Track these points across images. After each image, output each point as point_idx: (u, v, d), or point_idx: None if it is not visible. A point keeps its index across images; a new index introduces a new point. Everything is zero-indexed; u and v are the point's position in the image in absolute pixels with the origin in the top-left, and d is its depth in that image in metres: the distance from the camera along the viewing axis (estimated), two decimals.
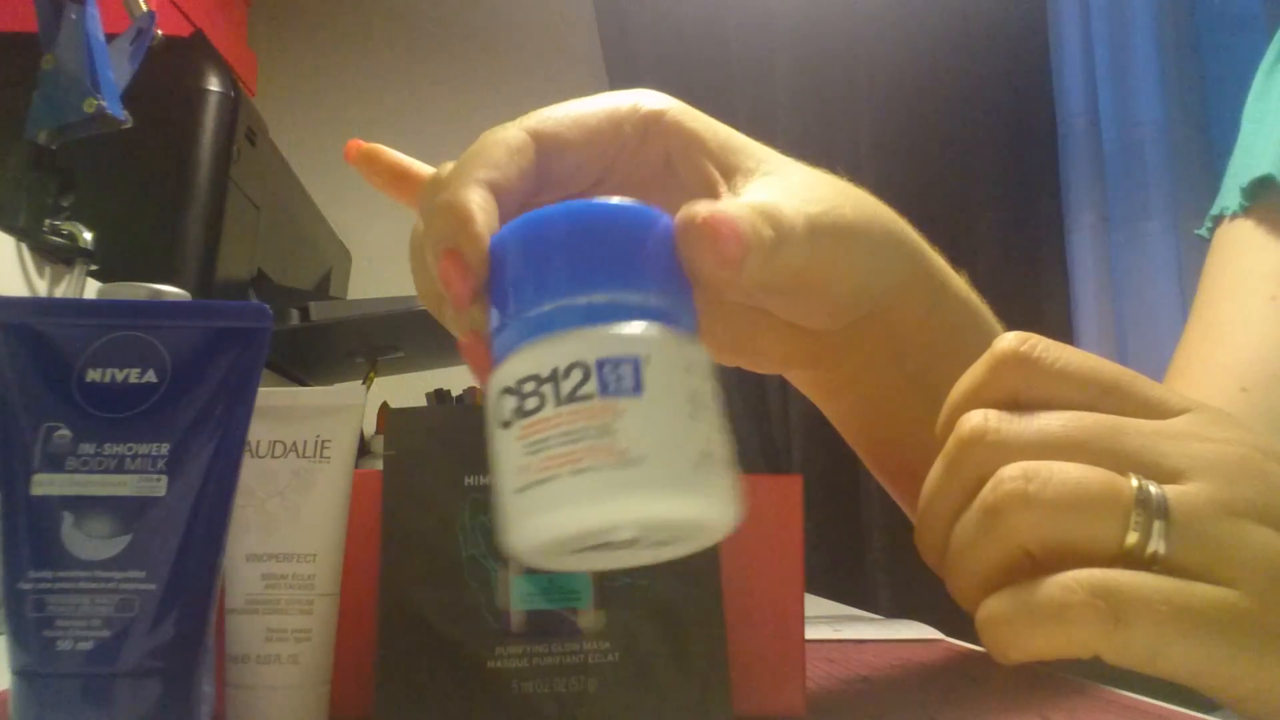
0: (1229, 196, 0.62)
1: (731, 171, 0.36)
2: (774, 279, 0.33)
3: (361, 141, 0.41)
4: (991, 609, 0.29)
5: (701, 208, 0.28)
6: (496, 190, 0.30)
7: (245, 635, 0.33)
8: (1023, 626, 0.28)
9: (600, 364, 0.24)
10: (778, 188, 0.35)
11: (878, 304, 0.40)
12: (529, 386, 0.24)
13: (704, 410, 0.25)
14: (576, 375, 0.24)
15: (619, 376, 0.23)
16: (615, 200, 0.27)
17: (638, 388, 0.23)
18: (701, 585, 0.38)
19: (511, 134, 0.33)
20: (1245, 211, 0.60)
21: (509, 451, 0.25)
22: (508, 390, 0.25)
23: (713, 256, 0.28)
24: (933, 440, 0.37)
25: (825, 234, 0.34)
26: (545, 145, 0.34)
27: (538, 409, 0.24)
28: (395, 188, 0.42)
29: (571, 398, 0.24)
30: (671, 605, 0.37)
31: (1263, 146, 0.60)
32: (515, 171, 0.32)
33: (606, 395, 0.23)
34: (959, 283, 0.44)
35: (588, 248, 0.26)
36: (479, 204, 0.29)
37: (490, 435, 0.26)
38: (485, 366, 0.27)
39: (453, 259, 0.27)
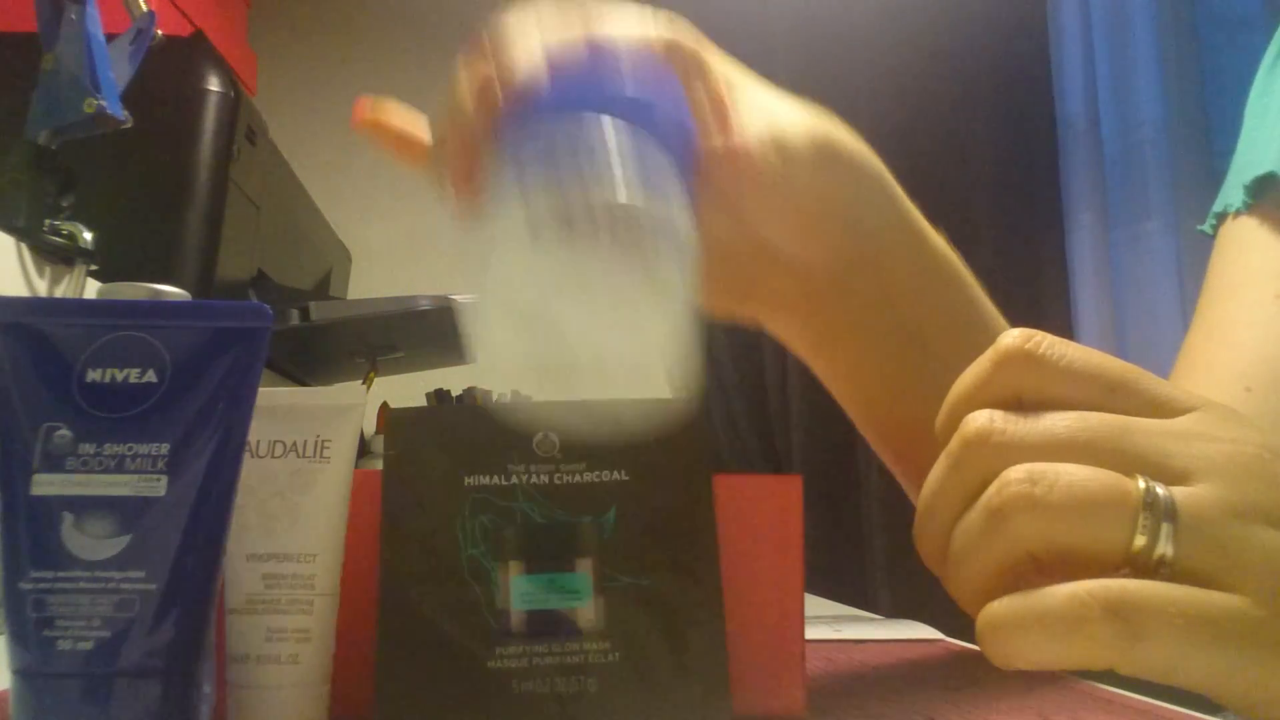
0: (1232, 193, 0.62)
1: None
2: (781, 201, 0.37)
3: (370, 102, 0.42)
4: (996, 615, 0.28)
5: (719, 139, 0.33)
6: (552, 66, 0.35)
7: (245, 635, 0.33)
8: (1033, 636, 0.27)
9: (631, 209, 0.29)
10: (794, 120, 0.40)
11: (868, 244, 0.42)
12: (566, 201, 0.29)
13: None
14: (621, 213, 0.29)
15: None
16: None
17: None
18: (701, 585, 0.38)
19: (572, 28, 0.36)
20: (1249, 209, 0.60)
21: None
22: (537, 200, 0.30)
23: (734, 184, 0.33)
24: (929, 398, 0.38)
25: (828, 162, 0.39)
26: (597, 48, 0.37)
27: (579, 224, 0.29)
28: (402, 153, 0.43)
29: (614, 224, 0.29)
30: (671, 605, 0.37)
31: (1265, 143, 0.60)
32: (567, 60, 0.35)
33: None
34: (938, 237, 0.46)
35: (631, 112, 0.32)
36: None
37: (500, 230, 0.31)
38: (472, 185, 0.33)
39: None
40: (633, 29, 0.38)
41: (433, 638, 0.35)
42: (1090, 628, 0.26)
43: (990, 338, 0.38)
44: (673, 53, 0.39)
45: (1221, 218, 0.62)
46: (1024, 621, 0.27)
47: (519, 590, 0.36)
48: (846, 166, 0.40)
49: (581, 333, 0.28)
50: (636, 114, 0.32)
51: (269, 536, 0.34)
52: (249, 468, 0.32)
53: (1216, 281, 0.62)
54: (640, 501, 0.39)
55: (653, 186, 0.30)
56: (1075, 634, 0.27)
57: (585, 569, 0.37)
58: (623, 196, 0.29)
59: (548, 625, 0.36)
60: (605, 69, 0.32)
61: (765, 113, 0.39)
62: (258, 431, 0.33)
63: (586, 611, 0.36)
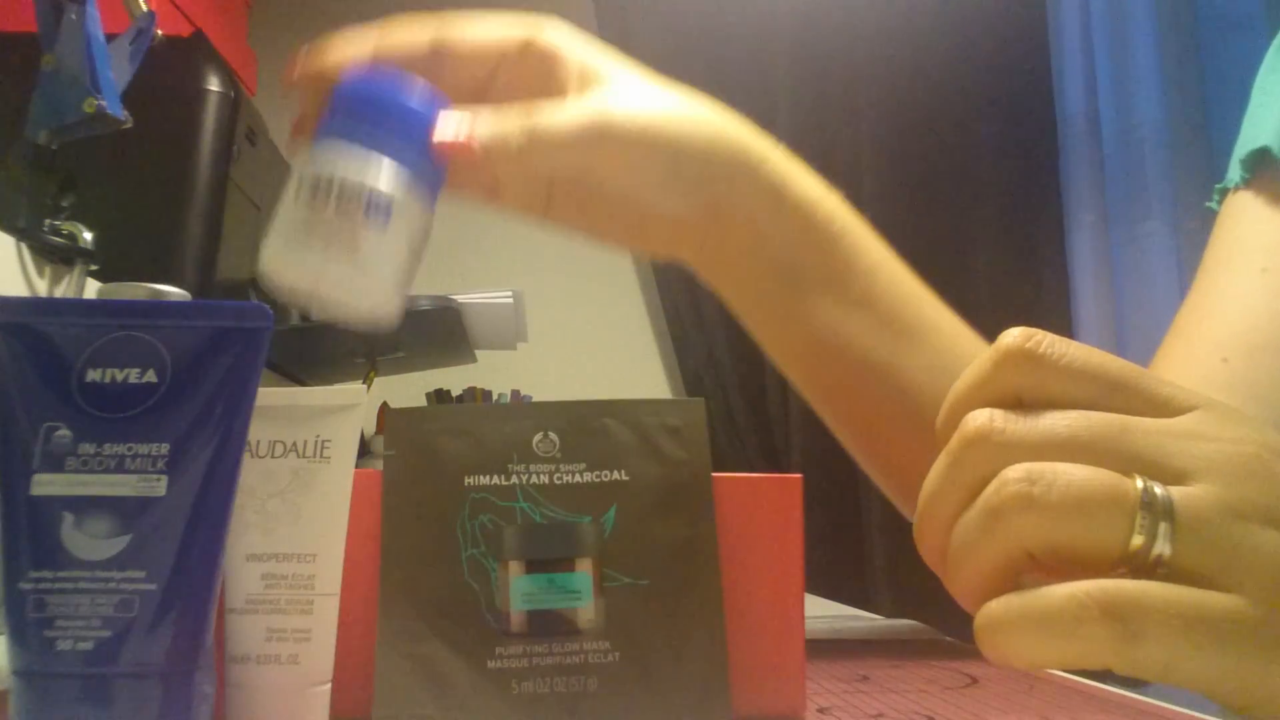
0: (1232, 169, 0.62)
1: (581, 89, 0.46)
2: (543, 168, 0.46)
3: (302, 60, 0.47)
4: (994, 614, 0.28)
5: (448, 128, 0.40)
6: (381, 56, 0.44)
7: (245, 635, 0.33)
8: (1030, 636, 0.27)
9: (370, 193, 0.36)
10: (589, 100, 0.45)
11: (704, 197, 0.49)
12: (327, 172, 0.36)
13: (415, 259, 0.37)
14: (355, 191, 0.36)
15: (377, 207, 0.36)
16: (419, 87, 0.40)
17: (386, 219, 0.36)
18: (701, 585, 0.38)
19: (418, 31, 0.45)
20: (1245, 184, 0.61)
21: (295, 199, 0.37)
22: (315, 164, 0.37)
23: (456, 159, 0.40)
24: (800, 328, 0.51)
25: (594, 140, 0.44)
26: (440, 47, 0.45)
27: (325, 193, 0.36)
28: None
29: (345, 199, 0.36)
30: (671, 605, 0.37)
31: (1264, 118, 0.61)
32: (404, 54, 0.44)
33: (366, 215, 0.36)
34: (802, 191, 0.50)
35: (393, 114, 0.39)
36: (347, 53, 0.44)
37: (291, 179, 0.38)
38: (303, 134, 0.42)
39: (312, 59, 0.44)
40: (502, 30, 0.46)
41: (433, 638, 0.35)
42: (1087, 628, 0.26)
43: (862, 279, 0.50)
44: (530, 48, 0.46)
45: (1223, 194, 0.63)
46: (1021, 621, 0.28)
47: (519, 590, 0.36)
48: (624, 143, 0.45)
49: (298, 275, 0.35)
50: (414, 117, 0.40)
51: (269, 536, 0.33)
52: (249, 468, 0.32)
53: (1209, 255, 0.62)
54: (640, 501, 0.39)
55: (395, 175, 0.37)
56: (1072, 634, 0.27)
57: (585, 569, 0.37)
58: (354, 175, 0.36)
59: (548, 625, 0.36)
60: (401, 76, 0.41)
61: (574, 100, 0.45)
62: (258, 431, 0.33)
63: (586, 612, 0.36)
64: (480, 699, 0.35)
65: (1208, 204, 0.65)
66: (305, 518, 0.34)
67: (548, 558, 0.37)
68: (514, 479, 0.38)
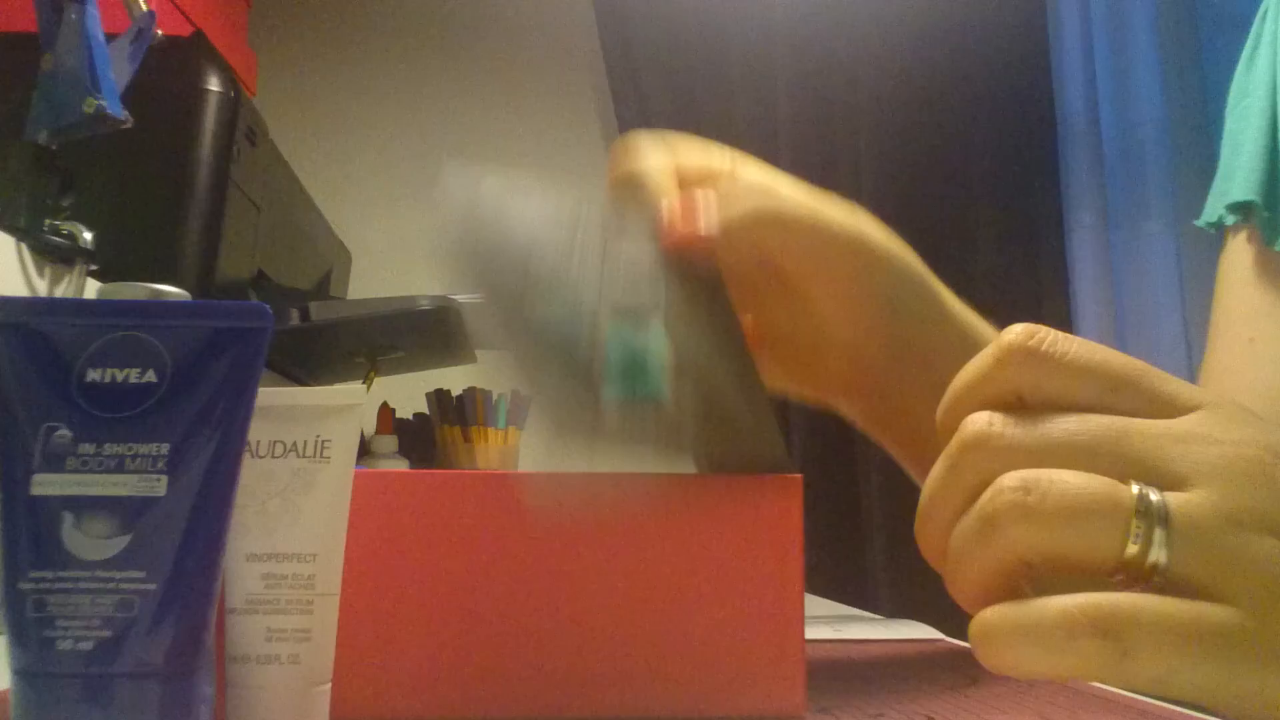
0: (1217, 205, 0.64)
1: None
2: (774, 240, 0.43)
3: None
4: (989, 623, 0.28)
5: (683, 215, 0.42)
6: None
7: (245, 635, 0.33)
8: (1024, 648, 0.27)
9: None
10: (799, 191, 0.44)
11: (910, 328, 0.46)
12: None
13: None
14: None
15: None
16: None
17: None
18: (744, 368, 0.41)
19: (657, 165, 0.46)
20: (1233, 229, 0.62)
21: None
22: None
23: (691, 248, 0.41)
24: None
25: (817, 221, 0.44)
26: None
27: None
28: None
29: None
30: (717, 387, 0.39)
31: (1242, 164, 0.62)
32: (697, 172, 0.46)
33: None
34: (969, 315, 0.49)
35: None
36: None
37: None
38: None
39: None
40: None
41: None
42: (1080, 644, 0.26)
43: None
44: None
45: (1219, 228, 0.64)
46: (1015, 633, 0.27)
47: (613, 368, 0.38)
48: (882, 256, 0.45)
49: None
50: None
51: (269, 536, 0.33)
52: (249, 468, 0.32)
53: (1215, 311, 0.64)
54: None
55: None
56: (1065, 649, 0.27)
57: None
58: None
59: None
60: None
61: (804, 209, 0.44)
62: (258, 431, 0.33)
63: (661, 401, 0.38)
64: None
65: (1198, 223, 0.66)
66: (305, 518, 0.34)
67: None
68: None
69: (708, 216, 0.42)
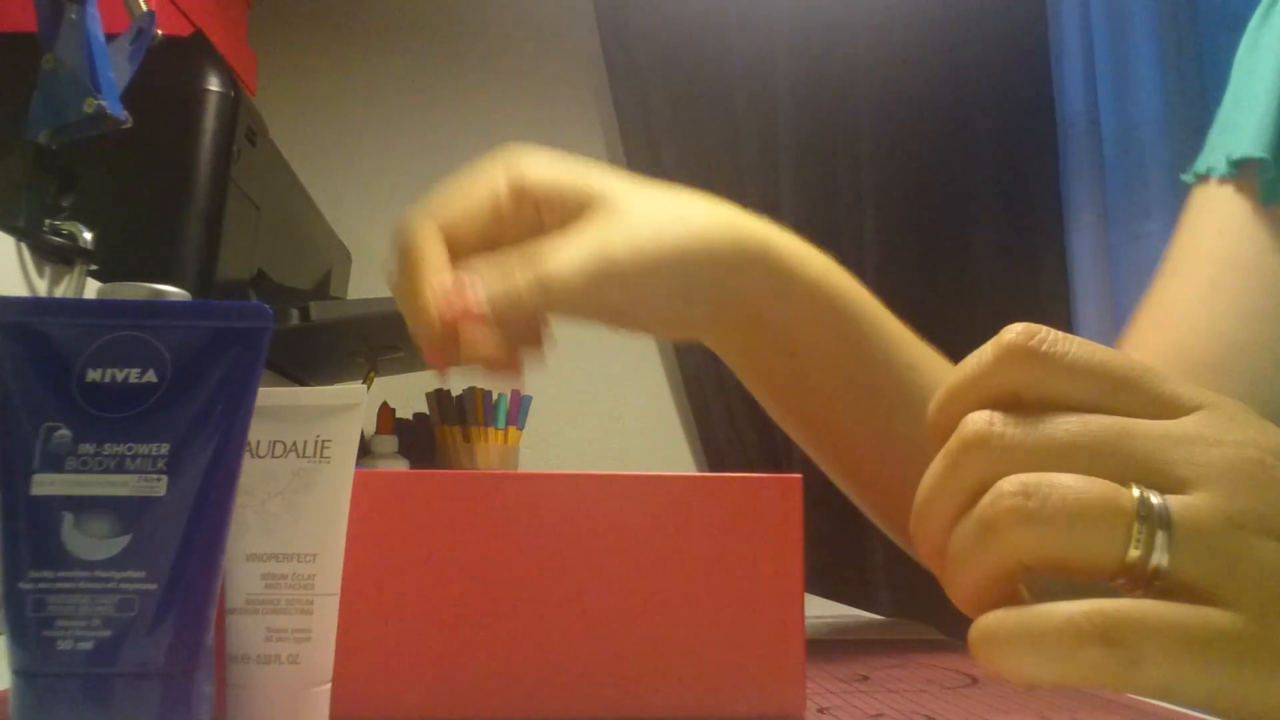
0: (1214, 157, 0.62)
1: (578, 217, 0.46)
2: (558, 315, 0.45)
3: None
4: (991, 629, 0.28)
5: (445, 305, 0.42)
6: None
7: (245, 635, 0.33)
8: (1027, 656, 0.27)
9: None
10: (594, 237, 0.45)
11: (712, 300, 0.49)
12: None
13: None
14: None
15: None
16: None
17: None
18: None
19: (420, 237, 0.45)
20: (1223, 180, 0.61)
21: None
22: None
23: (467, 329, 0.42)
24: (802, 397, 0.54)
25: (605, 281, 0.44)
26: (447, 235, 0.46)
27: None
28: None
29: None
30: None
31: (1246, 119, 0.60)
32: (443, 264, 0.45)
33: None
34: (814, 269, 0.51)
35: None
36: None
37: None
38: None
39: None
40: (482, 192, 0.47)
41: None
42: (1086, 652, 0.26)
43: (857, 353, 0.52)
44: (520, 195, 0.47)
45: (1202, 178, 0.63)
46: (1018, 640, 0.27)
47: None
48: (627, 280, 0.45)
49: None
50: None
51: (269, 536, 0.33)
52: (249, 468, 0.32)
53: (1174, 253, 0.63)
54: None
55: None
56: (1069, 658, 0.26)
57: None
58: None
59: None
60: None
61: (576, 239, 0.45)
62: (258, 431, 0.33)
63: None
64: None
65: (1183, 176, 0.65)
66: (305, 518, 0.34)
67: None
68: None
69: (472, 296, 0.42)
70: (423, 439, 1.51)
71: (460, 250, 0.46)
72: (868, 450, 0.55)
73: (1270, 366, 0.57)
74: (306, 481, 0.34)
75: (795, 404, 0.56)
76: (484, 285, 0.42)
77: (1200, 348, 0.58)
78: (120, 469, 0.29)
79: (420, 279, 0.44)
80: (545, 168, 0.48)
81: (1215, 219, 0.60)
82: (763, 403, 0.57)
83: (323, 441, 0.34)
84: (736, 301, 0.50)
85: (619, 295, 0.46)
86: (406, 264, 0.45)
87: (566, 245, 0.45)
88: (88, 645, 0.28)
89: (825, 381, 0.53)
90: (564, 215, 0.47)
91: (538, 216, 0.47)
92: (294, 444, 0.34)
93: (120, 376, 0.29)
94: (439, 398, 1.46)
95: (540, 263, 0.44)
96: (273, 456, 0.34)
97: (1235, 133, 0.61)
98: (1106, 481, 0.28)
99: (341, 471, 0.35)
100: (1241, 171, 0.60)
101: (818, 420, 0.56)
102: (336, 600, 0.34)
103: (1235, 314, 0.58)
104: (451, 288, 0.42)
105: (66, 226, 0.84)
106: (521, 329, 0.46)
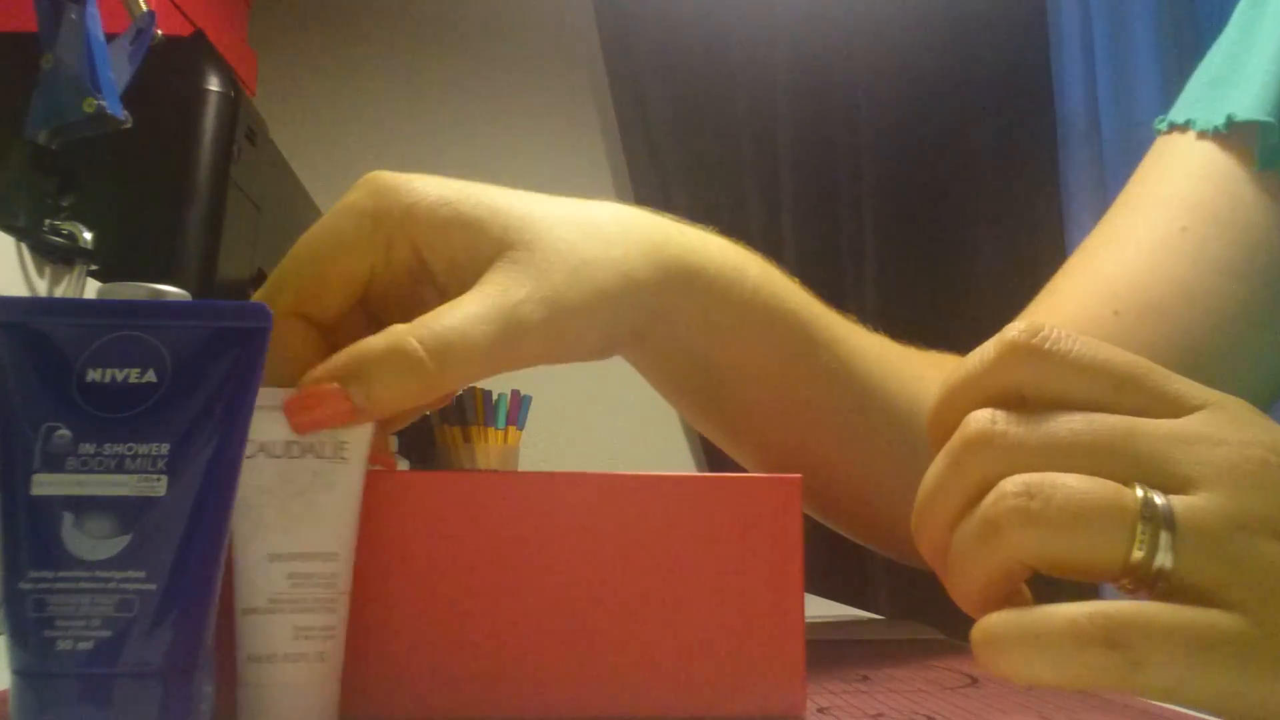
0: (1198, 108, 0.58)
1: (463, 272, 0.39)
2: (473, 377, 0.38)
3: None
4: (993, 629, 0.28)
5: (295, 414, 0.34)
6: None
7: (270, 635, 0.33)
8: (1029, 657, 0.27)
9: None
10: (491, 301, 0.38)
11: (630, 334, 0.45)
12: None
13: None
14: None
15: None
16: None
17: None
18: None
19: (279, 315, 0.35)
20: (1204, 135, 0.57)
21: None
22: None
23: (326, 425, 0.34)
24: (721, 412, 0.51)
25: (512, 343, 0.38)
26: (307, 306, 0.39)
27: None
28: None
29: None
30: None
31: (1252, 77, 0.57)
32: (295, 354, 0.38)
33: None
34: (745, 289, 0.47)
35: None
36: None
37: None
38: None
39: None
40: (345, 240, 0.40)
41: None
42: (1089, 655, 0.26)
43: (800, 365, 0.49)
44: (395, 233, 0.40)
45: (1180, 127, 0.60)
46: (1020, 641, 0.27)
47: None
48: (541, 333, 0.39)
49: None
50: None
51: (292, 536, 0.34)
52: (267, 468, 0.33)
53: (1130, 192, 0.59)
54: None
55: None
56: (1072, 660, 0.26)
57: None
58: None
59: None
60: None
61: (467, 303, 0.38)
62: (275, 432, 0.33)
63: None
64: None
65: (1156, 125, 0.61)
66: (328, 517, 0.34)
67: None
68: None
69: (348, 404, 0.35)
70: (423, 439, 1.51)
71: (328, 315, 0.40)
72: (800, 458, 0.51)
73: (1229, 322, 0.55)
74: (327, 482, 0.34)
75: (718, 418, 0.53)
76: (367, 383, 0.35)
77: (1156, 291, 0.55)
78: (120, 469, 0.29)
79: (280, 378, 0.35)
80: (431, 210, 0.40)
81: (1193, 167, 0.58)
82: (681, 413, 0.54)
83: (340, 442, 0.35)
84: (661, 331, 0.46)
85: (531, 351, 0.40)
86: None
87: (464, 311, 0.38)
88: (88, 645, 0.28)
89: (754, 397, 0.50)
90: (454, 261, 0.40)
91: (418, 260, 0.40)
92: (311, 445, 0.34)
93: (120, 376, 0.29)
94: None
95: (435, 338, 0.36)
96: (289, 457, 0.34)
97: (1236, 90, 0.58)
98: (1110, 482, 0.27)
99: (358, 471, 0.35)
100: (1234, 131, 0.57)
101: (742, 432, 0.53)
102: (349, 598, 0.35)
103: (1199, 262, 0.55)
104: (319, 393, 0.34)
105: (66, 226, 0.84)
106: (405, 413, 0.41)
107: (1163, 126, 0.61)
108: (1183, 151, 0.59)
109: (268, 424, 0.33)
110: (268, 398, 0.32)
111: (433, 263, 0.40)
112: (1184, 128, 0.59)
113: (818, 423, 0.52)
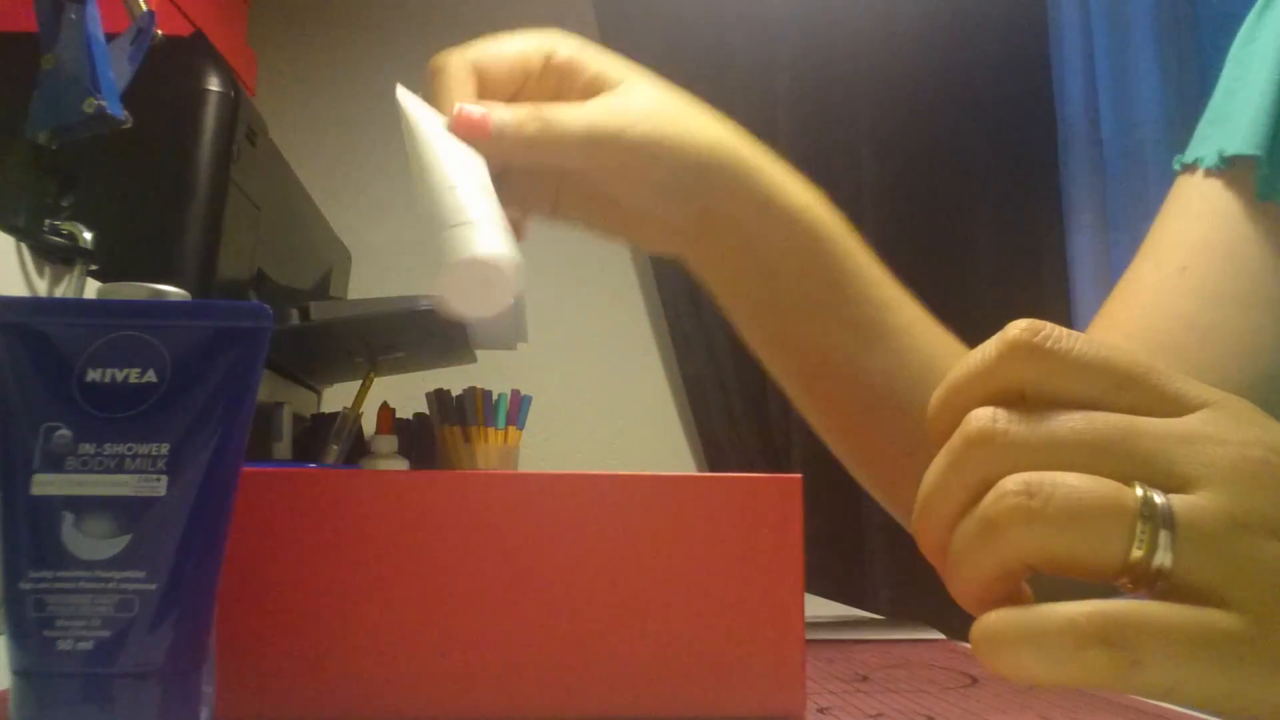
0: (1203, 148, 0.61)
1: (594, 94, 0.51)
2: (552, 160, 0.50)
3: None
4: (992, 628, 0.28)
5: (462, 109, 0.49)
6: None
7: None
8: (1028, 656, 0.27)
9: None
10: (601, 104, 0.50)
11: (698, 204, 0.53)
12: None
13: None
14: None
15: None
16: None
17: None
18: None
19: (455, 64, 0.51)
20: (1210, 172, 0.60)
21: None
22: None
23: (464, 133, 0.48)
24: (780, 321, 0.57)
25: (602, 142, 0.49)
26: (479, 73, 0.51)
27: None
28: None
29: None
30: None
31: (1244, 114, 0.60)
32: (471, 90, 0.50)
33: None
34: (800, 198, 0.55)
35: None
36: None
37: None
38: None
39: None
40: (521, 46, 0.53)
41: None
42: (1088, 654, 0.26)
43: (833, 284, 0.55)
44: (550, 62, 0.52)
45: (1190, 167, 0.62)
46: (1019, 640, 0.27)
47: None
48: (628, 148, 0.50)
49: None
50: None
51: None
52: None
53: (1153, 233, 0.63)
54: None
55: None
56: (1071, 659, 0.26)
57: None
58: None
59: None
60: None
61: (591, 103, 0.50)
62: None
63: None
64: None
65: (1173, 163, 0.64)
66: None
67: None
68: None
69: (484, 116, 0.48)
70: (423, 439, 1.51)
71: (485, 94, 0.50)
72: (838, 382, 0.58)
73: (1232, 350, 0.57)
74: None
75: (771, 328, 0.58)
76: (497, 112, 0.48)
77: (1164, 329, 0.58)
78: (120, 469, 0.29)
79: (446, 98, 0.50)
80: (575, 45, 0.53)
81: (1195, 207, 0.60)
82: (738, 324, 0.59)
83: None
84: (721, 214, 0.53)
85: (612, 160, 0.50)
86: (436, 86, 0.50)
87: (578, 106, 0.50)
88: (88, 645, 0.28)
89: (801, 308, 0.56)
90: (582, 89, 0.51)
91: (559, 86, 0.52)
92: None
93: (120, 376, 0.29)
94: (439, 398, 1.46)
95: (549, 109, 0.49)
96: None
97: (1228, 127, 0.60)
98: (1110, 481, 0.27)
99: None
100: (1232, 166, 0.59)
101: (790, 346, 0.58)
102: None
103: (1201, 297, 0.58)
104: (469, 107, 0.48)
105: (66, 226, 0.84)
106: (524, 180, 0.52)
107: (1178, 166, 0.64)
108: (1189, 191, 0.62)
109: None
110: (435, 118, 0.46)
111: (567, 92, 0.52)
112: (1193, 167, 0.62)
113: (858, 345, 0.57)
